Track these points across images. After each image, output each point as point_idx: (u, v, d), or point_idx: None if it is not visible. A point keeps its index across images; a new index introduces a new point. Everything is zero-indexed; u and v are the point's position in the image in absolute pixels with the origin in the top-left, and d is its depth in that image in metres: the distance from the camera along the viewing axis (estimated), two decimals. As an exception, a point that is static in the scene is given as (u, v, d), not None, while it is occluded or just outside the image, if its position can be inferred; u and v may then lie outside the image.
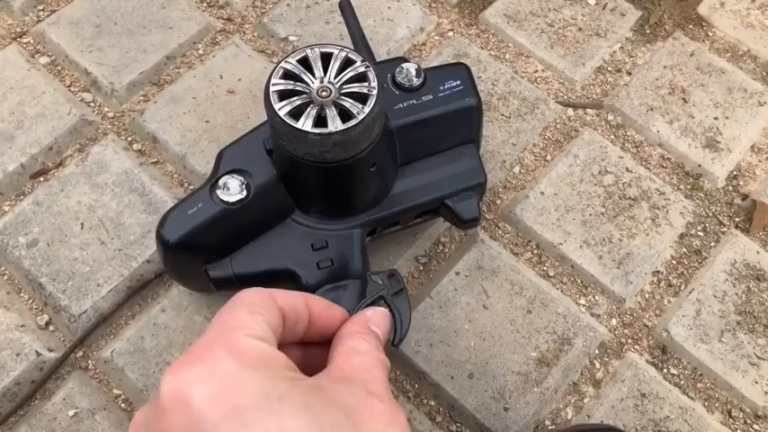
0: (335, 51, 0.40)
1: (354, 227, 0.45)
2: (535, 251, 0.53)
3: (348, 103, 0.39)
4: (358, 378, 0.27)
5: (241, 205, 0.42)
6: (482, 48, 0.61)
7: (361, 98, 0.39)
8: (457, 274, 0.51)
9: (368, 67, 0.40)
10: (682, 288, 0.52)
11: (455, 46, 0.61)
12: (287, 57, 0.40)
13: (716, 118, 0.58)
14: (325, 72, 0.40)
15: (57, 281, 0.50)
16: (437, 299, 0.50)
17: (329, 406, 0.25)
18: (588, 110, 0.59)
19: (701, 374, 0.49)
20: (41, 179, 0.54)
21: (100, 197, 0.53)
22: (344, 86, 0.39)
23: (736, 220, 0.55)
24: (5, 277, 0.51)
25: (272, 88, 0.39)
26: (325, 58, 0.40)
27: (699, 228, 0.54)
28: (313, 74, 0.40)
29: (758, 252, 0.53)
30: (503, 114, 0.58)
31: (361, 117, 0.38)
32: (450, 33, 0.62)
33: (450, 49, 0.61)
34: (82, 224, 0.52)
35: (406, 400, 0.48)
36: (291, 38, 0.60)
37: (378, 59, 0.54)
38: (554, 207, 0.54)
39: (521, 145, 0.57)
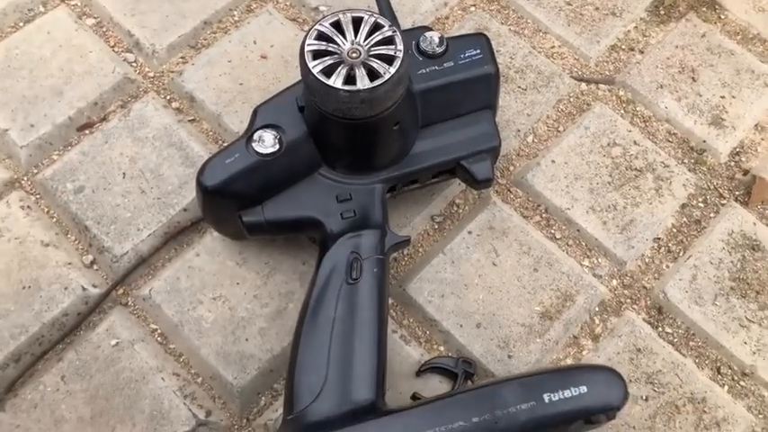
0: (366, 16, 0.44)
1: (376, 182, 0.49)
2: (544, 215, 0.56)
3: (376, 64, 0.42)
4: None
5: (274, 157, 0.46)
6: (502, 23, 0.64)
7: (388, 59, 0.43)
8: (469, 233, 0.55)
9: (395, 31, 0.43)
10: (680, 254, 0.55)
11: (476, 20, 0.64)
12: (321, 20, 0.44)
13: (722, 97, 0.61)
14: (356, 35, 0.43)
15: (101, 224, 0.54)
16: (450, 255, 0.54)
17: None
18: (601, 85, 0.62)
19: (693, 334, 0.53)
20: (87, 132, 0.58)
21: (141, 150, 0.57)
22: (373, 48, 0.43)
23: (736, 193, 0.58)
24: (54, 219, 0.55)
25: (306, 48, 0.43)
26: (356, 23, 0.44)
27: (700, 199, 0.58)
28: (345, 36, 0.43)
29: (755, 224, 0.57)
30: (519, 86, 0.61)
31: (387, 77, 0.42)
32: (473, 8, 0.65)
33: (471, 23, 0.64)
34: (124, 174, 0.56)
35: (418, 345, 0.52)
36: (321, 7, 0.64)
37: (403, 28, 0.57)
38: (563, 175, 0.57)
39: (535, 116, 0.60)
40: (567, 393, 0.39)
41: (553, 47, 0.63)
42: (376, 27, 0.44)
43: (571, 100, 0.61)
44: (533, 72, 0.61)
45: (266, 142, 0.46)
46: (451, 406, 0.40)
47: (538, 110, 0.60)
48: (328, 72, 0.42)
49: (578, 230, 0.56)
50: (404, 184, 0.51)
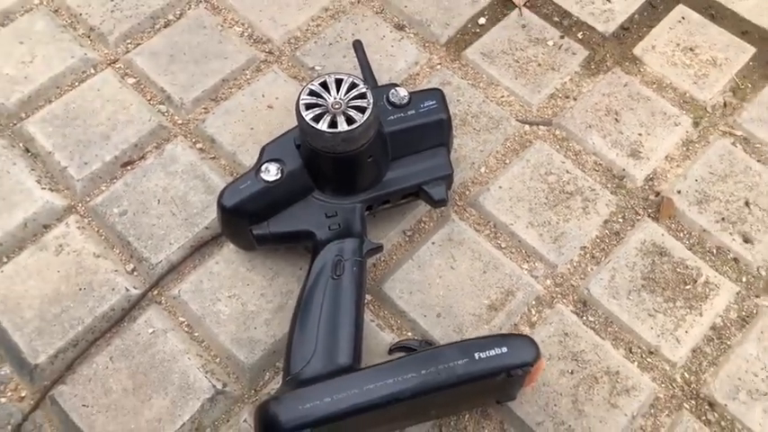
0: (345, 78, 0.59)
1: (356, 202, 0.63)
2: (492, 229, 0.70)
3: (352, 113, 0.57)
4: None
5: (277, 183, 0.61)
6: (462, 78, 0.79)
7: (362, 109, 0.57)
8: (433, 243, 0.69)
9: (367, 88, 0.58)
10: (602, 259, 0.69)
11: (441, 76, 0.79)
12: (312, 81, 0.59)
13: (640, 134, 0.76)
14: (338, 92, 0.58)
15: (140, 240, 0.69)
16: (417, 261, 0.68)
17: None
18: (540, 126, 0.76)
19: (611, 322, 0.66)
20: (129, 168, 0.73)
21: (172, 181, 0.72)
22: (350, 101, 0.58)
23: (649, 211, 0.72)
24: (103, 237, 0.70)
25: (301, 101, 0.58)
26: (338, 82, 0.59)
27: (619, 216, 0.71)
28: (329, 92, 0.58)
29: (663, 235, 0.70)
30: (474, 128, 0.76)
31: (360, 122, 0.57)
32: (438, 66, 0.80)
33: (437, 78, 0.79)
34: (159, 200, 0.71)
35: (390, 331, 0.65)
36: (317, 67, 0.79)
37: (380, 84, 0.72)
38: (509, 197, 0.72)
39: (487, 151, 0.74)
40: (492, 352, 0.52)
41: (503, 96, 0.78)
42: (353, 86, 0.59)
43: (516, 138, 0.75)
44: (486, 117, 0.76)
45: (271, 172, 0.61)
46: (406, 362, 0.53)
47: (489, 147, 0.75)
48: (317, 119, 0.57)
49: (519, 241, 0.69)
50: (378, 204, 0.65)
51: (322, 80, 0.59)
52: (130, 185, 0.72)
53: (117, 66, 0.80)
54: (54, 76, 0.78)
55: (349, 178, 0.62)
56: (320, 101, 0.58)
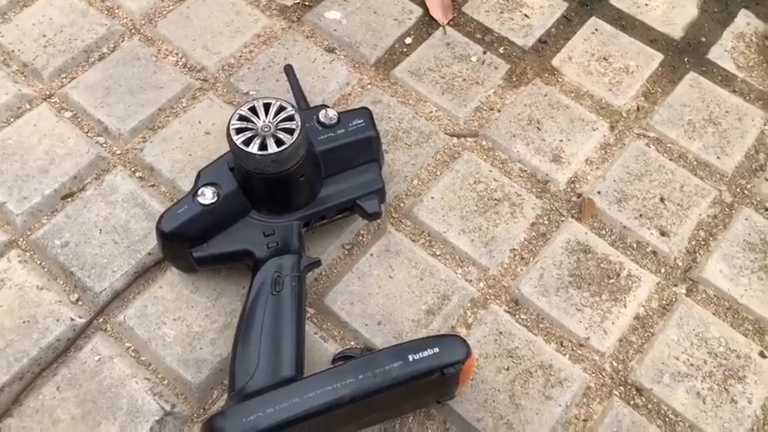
0: (273, 101, 0.62)
1: (293, 220, 0.66)
2: (427, 238, 0.74)
3: (281, 135, 0.60)
4: None
5: (213, 206, 0.63)
6: (392, 96, 0.83)
7: (290, 131, 0.60)
8: (371, 255, 0.72)
9: (294, 111, 0.61)
10: (531, 260, 0.73)
11: (372, 95, 0.83)
12: (241, 106, 0.62)
13: (561, 140, 0.80)
14: (266, 115, 0.61)
15: (83, 269, 0.70)
16: (357, 273, 0.71)
17: None
18: (468, 138, 0.80)
19: (542, 318, 0.70)
20: (69, 200, 0.74)
21: (113, 211, 0.73)
22: (279, 124, 0.61)
23: (573, 212, 0.76)
24: (45, 269, 0.70)
25: (231, 126, 0.60)
26: (266, 106, 0.62)
27: (545, 218, 0.76)
28: (258, 116, 0.61)
29: (586, 233, 0.75)
30: (406, 143, 0.79)
31: (289, 143, 0.59)
32: (369, 86, 0.84)
33: (368, 97, 0.82)
34: (100, 230, 0.72)
35: (334, 342, 0.67)
36: (251, 92, 0.82)
37: (312, 105, 0.75)
38: (441, 207, 0.75)
39: (418, 165, 0.78)
40: (425, 353, 0.55)
41: (431, 111, 0.82)
42: (281, 109, 0.62)
43: (446, 151, 0.79)
44: (416, 132, 0.80)
45: (207, 196, 0.63)
46: (345, 369, 0.55)
47: (420, 160, 0.78)
48: (247, 142, 0.60)
49: (453, 248, 0.73)
50: (315, 220, 0.68)
51: (251, 105, 0.62)
52: (71, 217, 0.73)
53: (53, 100, 0.81)
54: (-11, 114, 0.79)
55: (284, 197, 0.65)
56: (250, 125, 0.61)
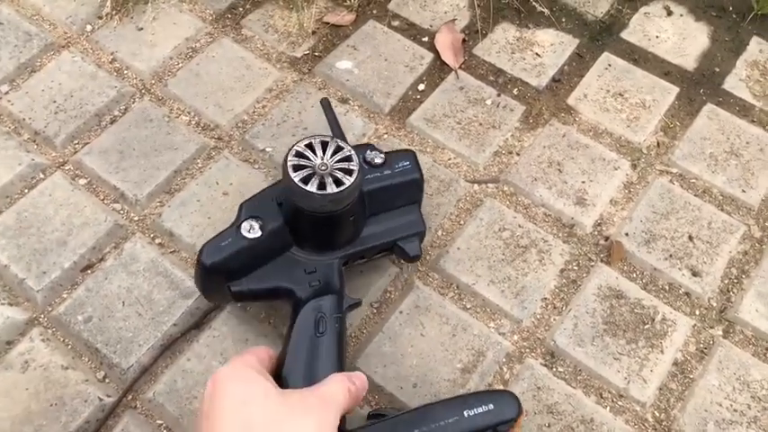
0: (329, 140, 0.61)
1: (335, 258, 0.64)
2: (456, 291, 0.72)
3: (339, 175, 0.59)
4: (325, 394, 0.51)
5: (258, 241, 0.61)
6: (409, 144, 0.82)
7: (348, 172, 0.59)
8: (401, 312, 0.71)
9: (351, 151, 0.61)
10: (563, 308, 0.72)
11: (389, 145, 0.82)
12: (297, 143, 0.61)
13: (583, 182, 0.79)
14: (324, 153, 0.60)
15: (108, 345, 0.68)
16: (387, 332, 0.69)
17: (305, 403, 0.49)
18: (489, 184, 0.79)
19: (579, 370, 0.69)
20: (89, 272, 0.73)
21: (134, 281, 0.72)
22: (336, 164, 0.60)
23: (601, 256, 0.75)
24: (69, 346, 0.69)
25: (289, 162, 0.59)
26: (323, 145, 0.61)
27: (574, 264, 0.74)
28: (315, 154, 0.60)
29: (617, 278, 0.73)
30: (427, 193, 0.78)
31: (348, 184, 0.58)
32: (386, 135, 0.83)
33: (385, 147, 0.81)
34: (123, 302, 0.71)
35: (369, 407, 0.66)
36: (268, 149, 0.81)
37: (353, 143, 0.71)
38: (467, 258, 0.74)
39: (441, 215, 0.77)
40: (480, 410, 0.54)
41: (450, 158, 0.81)
42: (338, 149, 0.61)
43: (467, 198, 0.78)
44: (436, 180, 0.79)
45: (252, 229, 0.61)
46: (398, 422, 0.54)
47: (443, 210, 0.77)
48: (305, 180, 0.58)
49: (483, 300, 0.72)
50: (355, 259, 0.67)
51: (308, 142, 0.61)
52: (92, 290, 0.71)
53: (66, 168, 0.80)
54: (2, 186, 0.77)
55: (330, 236, 0.64)
56: (307, 162, 0.60)
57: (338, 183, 0.59)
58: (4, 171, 0.78)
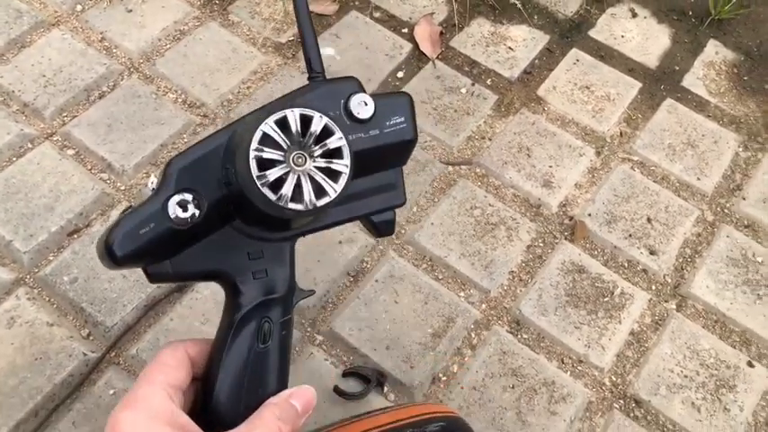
0: (315, 116, 0.39)
1: (288, 239, 0.46)
2: (429, 263, 0.76)
3: (321, 180, 0.39)
4: None
5: (189, 224, 0.41)
6: (388, 127, 0.86)
7: (335, 175, 0.39)
8: (376, 281, 0.74)
9: (344, 142, 0.40)
10: (529, 281, 0.76)
11: (368, 126, 0.86)
12: (268, 116, 0.39)
13: (550, 166, 0.84)
14: (303, 136, 0.39)
15: (93, 304, 0.71)
16: (363, 299, 0.73)
17: None
18: (462, 166, 0.84)
19: (543, 337, 0.73)
20: (75, 236, 0.75)
21: (120, 246, 0.74)
22: (319, 158, 0.39)
23: (565, 234, 0.80)
24: (55, 305, 0.71)
25: (252, 154, 0.38)
26: (305, 121, 0.39)
27: (540, 241, 0.79)
28: (291, 134, 0.39)
29: (580, 255, 0.78)
30: (404, 172, 0.82)
31: (333, 196, 0.39)
32: (365, 118, 0.87)
33: (365, 128, 0.85)
34: (108, 265, 0.73)
35: (344, 367, 0.69)
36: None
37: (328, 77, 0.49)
38: (440, 232, 0.78)
39: (416, 193, 0.81)
40: None
41: (426, 141, 0.85)
42: (327, 133, 0.39)
43: (442, 179, 0.83)
44: (413, 161, 0.83)
45: (184, 208, 0.40)
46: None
47: (418, 188, 0.81)
48: (275, 185, 0.38)
49: (454, 271, 0.76)
50: (314, 232, 0.49)
51: (281, 115, 0.39)
52: (79, 253, 0.74)
53: (55, 138, 0.82)
54: (-9, 153, 0.79)
55: (287, 223, 0.46)
56: (277, 154, 0.39)
57: (319, 190, 0.39)
58: (-6, 139, 0.80)
